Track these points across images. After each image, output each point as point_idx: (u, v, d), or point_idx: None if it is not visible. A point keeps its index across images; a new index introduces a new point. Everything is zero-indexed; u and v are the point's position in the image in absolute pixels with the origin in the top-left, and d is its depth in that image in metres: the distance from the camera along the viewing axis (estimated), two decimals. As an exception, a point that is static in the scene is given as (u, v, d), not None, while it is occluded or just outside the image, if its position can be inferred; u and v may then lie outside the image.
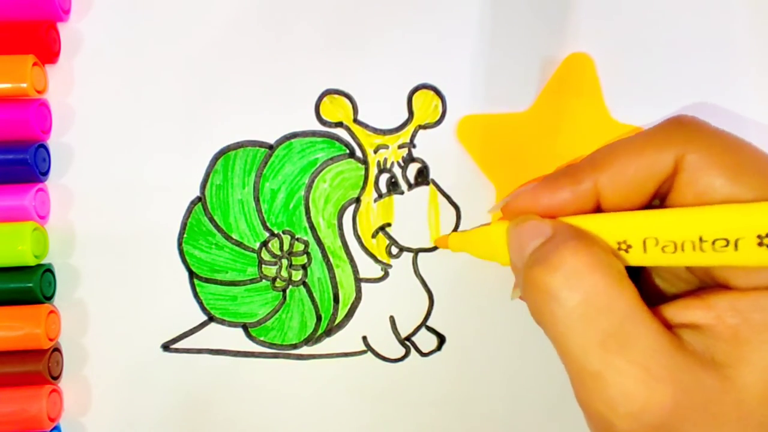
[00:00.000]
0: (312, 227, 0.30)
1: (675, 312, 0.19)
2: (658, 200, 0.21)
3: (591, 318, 0.18)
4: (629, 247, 0.20)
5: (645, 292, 0.22)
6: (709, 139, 0.19)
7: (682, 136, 0.19)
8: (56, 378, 0.30)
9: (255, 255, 0.30)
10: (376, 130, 0.30)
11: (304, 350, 0.30)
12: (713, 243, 0.18)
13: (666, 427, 0.18)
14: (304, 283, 0.30)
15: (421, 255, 0.30)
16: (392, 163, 0.30)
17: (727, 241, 0.18)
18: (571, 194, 0.21)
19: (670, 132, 0.20)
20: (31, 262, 0.29)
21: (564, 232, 0.20)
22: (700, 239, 0.18)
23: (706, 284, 0.20)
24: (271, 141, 0.31)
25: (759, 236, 0.18)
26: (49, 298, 0.30)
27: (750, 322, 0.18)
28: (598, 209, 0.21)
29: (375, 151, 0.30)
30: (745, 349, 0.18)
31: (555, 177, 0.21)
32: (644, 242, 0.19)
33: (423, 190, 0.30)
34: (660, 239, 0.19)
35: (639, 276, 0.23)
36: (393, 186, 0.30)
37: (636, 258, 0.20)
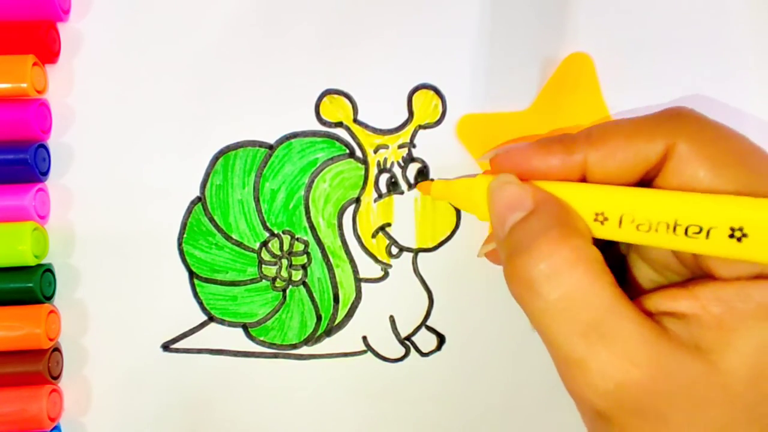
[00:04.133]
0: (312, 227, 0.30)
1: (660, 301, 0.20)
2: (644, 183, 0.21)
3: (572, 311, 0.19)
4: (605, 219, 0.20)
5: (633, 280, 0.22)
6: (699, 130, 0.20)
7: (673, 126, 0.20)
8: (56, 378, 0.30)
9: (255, 255, 0.30)
10: (376, 130, 0.30)
11: (304, 350, 0.30)
12: (686, 229, 0.19)
13: (644, 406, 0.18)
14: (304, 283, 0.30)
15: (421, 255, 0.30)
16: (392, 163, 0.30)
17: (701, 229, 0.18)
18: (561, 162, 0.21)
19: (663, 121, 0.20)
20: (31, 262, 0.29)
21: (545, 209, 0.20)
22: (675, 223, 0.19)
23: (695, 275, 0.20)
24: (271, 141, 0.31)
25: (731, 228, 0.18)
26: (49, 298, 0.30)
27: (734, 311, 0.18)
28: (582, 181, 0.21)
29: (375, 151, 0.30)
30: (731, 336, 0.18)
31: (549, 142, 0.22)
32: (621, 218, 0.20)
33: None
34: (636, 217, 0.19)
35: (626, 264, 0.23)
36: (393, 186, 0.30)
37: (610, 232, 0.20)
